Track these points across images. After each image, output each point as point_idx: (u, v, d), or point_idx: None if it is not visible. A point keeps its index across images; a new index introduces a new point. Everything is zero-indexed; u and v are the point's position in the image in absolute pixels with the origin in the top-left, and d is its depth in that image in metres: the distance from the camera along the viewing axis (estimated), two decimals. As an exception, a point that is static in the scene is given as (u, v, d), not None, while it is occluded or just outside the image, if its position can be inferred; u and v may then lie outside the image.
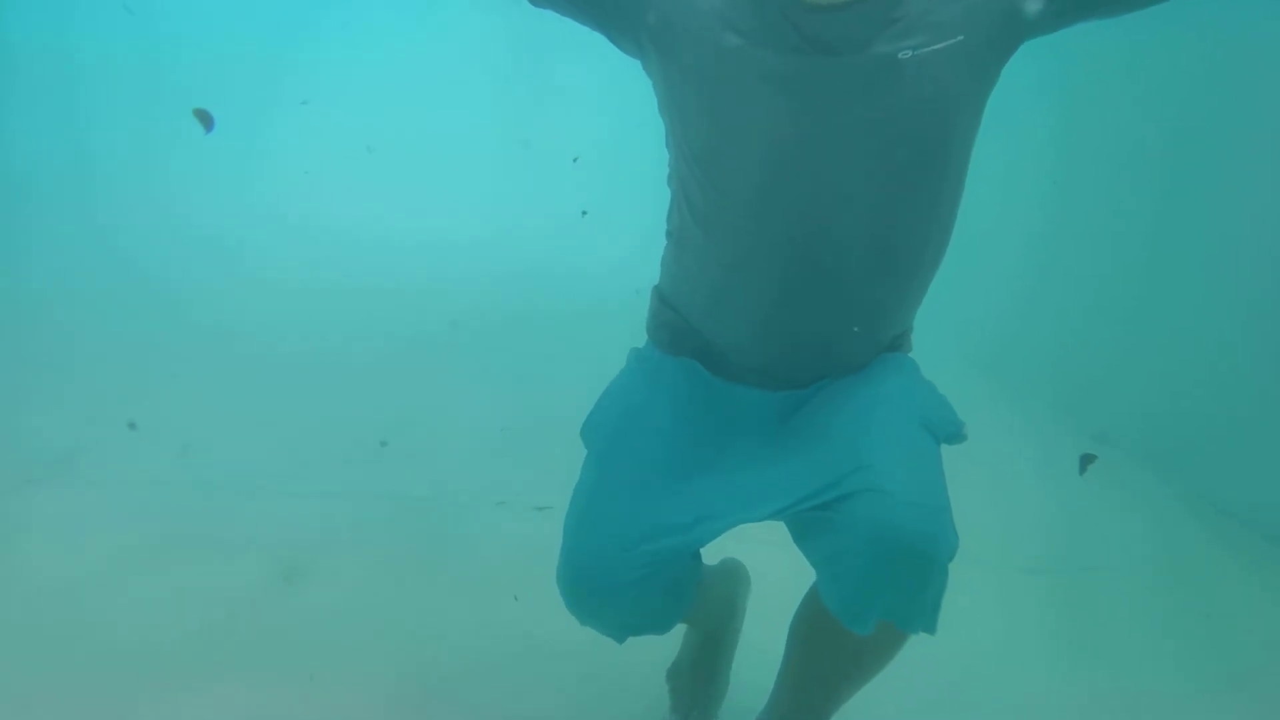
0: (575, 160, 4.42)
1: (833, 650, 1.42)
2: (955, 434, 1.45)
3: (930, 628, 1.32)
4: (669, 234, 1.55)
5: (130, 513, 2.48)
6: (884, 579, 1.24)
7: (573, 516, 1.44)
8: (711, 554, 1.57)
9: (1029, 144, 4.37)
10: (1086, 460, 2.15)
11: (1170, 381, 3.12)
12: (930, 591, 1.28)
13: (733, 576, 1.81)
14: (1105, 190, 3.72)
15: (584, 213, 3.97)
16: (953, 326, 3.95)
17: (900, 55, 1.28)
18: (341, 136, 5.45)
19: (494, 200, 5.58)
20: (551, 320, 4.27)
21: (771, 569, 1.81)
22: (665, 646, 1.73)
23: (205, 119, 2.23)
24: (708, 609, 1.68)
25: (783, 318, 1.42)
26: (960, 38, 1.29)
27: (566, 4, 1.43)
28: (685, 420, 1.47)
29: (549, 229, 4.95)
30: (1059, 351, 3.81)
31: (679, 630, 1.68)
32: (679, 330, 1.54)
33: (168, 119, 3.55)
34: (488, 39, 6.05)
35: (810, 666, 1.49)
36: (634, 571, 1.36)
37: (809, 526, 1.36)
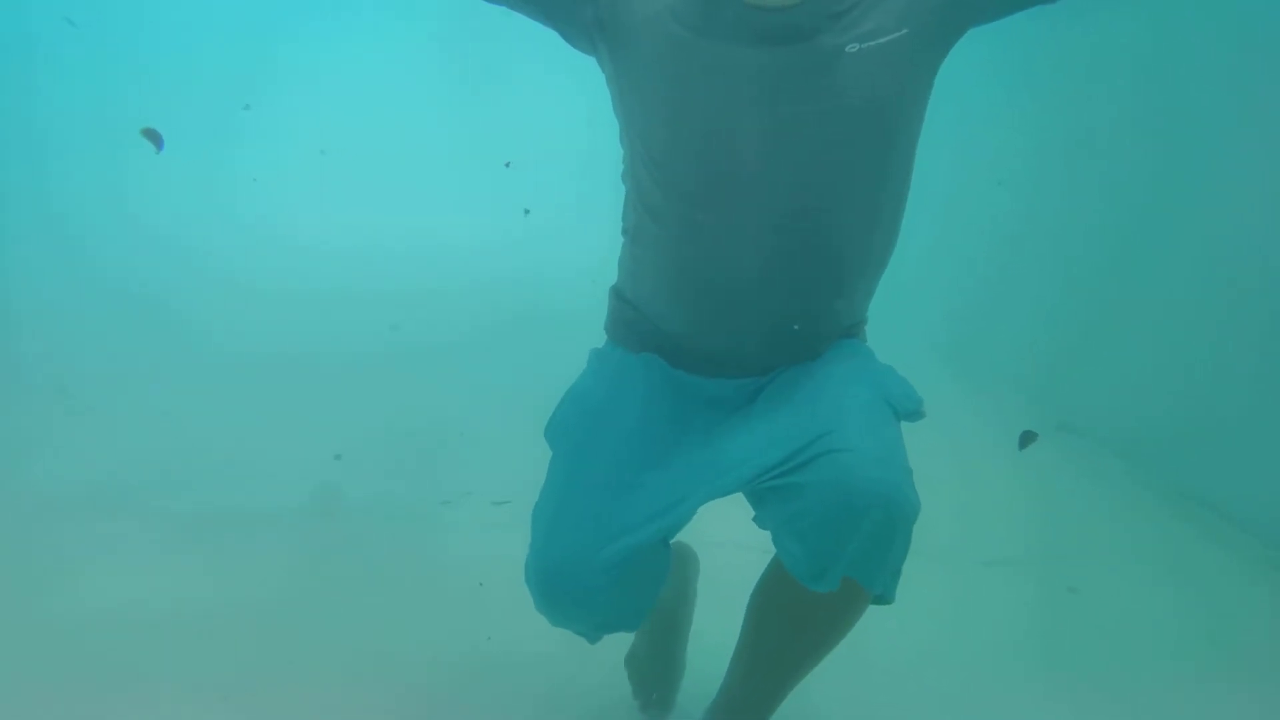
0: (508, 165, 4.49)
1: (793, 616, 1.41)
2: (915, 410, 1.46)
3: (890, 591, 1.34)
4: (625, 232, 1.56)
5: (75, 521, 2.45)
6: (850, 532, 1.25)
7: (542, 519, 1.43)
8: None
9: (996, 134, 4.41)
10: (1027, 438, 2.14)
11: (1134, 370, 3.13)
12: (894, 551, 1.29)
13: (683, 559, 1.80)
14: (1071, 180, 3.74)
15: (526, 211, 4.04)
16: (916, 316, 3.98)
17: (848, 49, 1.31)
18: (296, 140, 5.40)
19: (448, 204, 5.57)
20: (512, 325, 4.27)
21: (724, 569, 1.81)
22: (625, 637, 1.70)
23: (154, 138, 2.21)
24: (664, 594, 1.68)
25: (738, 309, 1.44)
26: (904, 31, 1.32)
27: (518, 1, 1.44)
28: (649, 414, 1.47)
29: (502, 233, 4.93)
30: (1023, 341, 3.83)
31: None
32: (637, 327, 1.55)
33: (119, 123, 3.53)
34: (447, 40, 6.01)
35: (769, 636, 1.47)
36: (607, 571, 1.35)
37: (771, 493, 1.35)
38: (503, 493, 2.54)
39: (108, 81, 5.17)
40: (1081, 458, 3.14)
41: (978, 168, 4.52)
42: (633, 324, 1.56)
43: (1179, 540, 2.55)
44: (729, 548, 1.89)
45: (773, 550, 1.40)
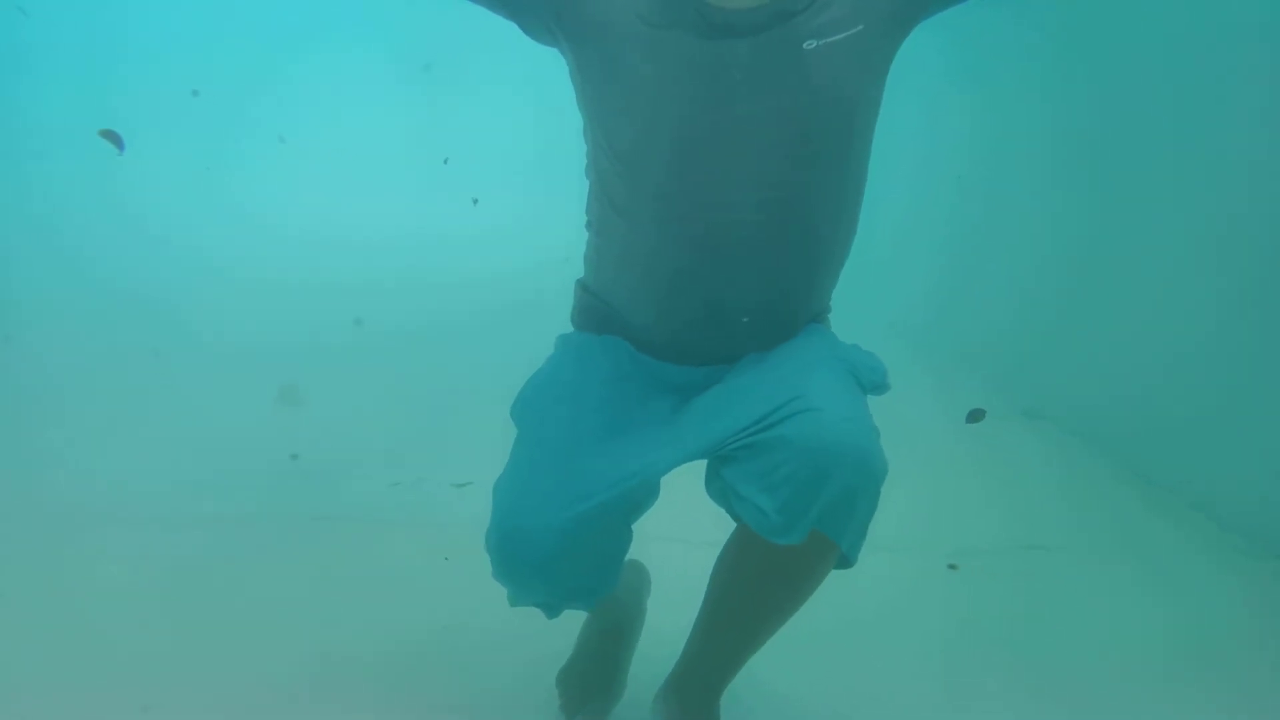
0: (445, 162, 4.50)
1: (758, 577, 1.40)
2: (880, 383, 1.50)
3: (855, 551, 1.35)
4: (588, 225, 1.58)
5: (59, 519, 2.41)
6: (821, 484, 1.25)
7: (504, 486, 1.41)
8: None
9: (960, 123, 4.43)
10: (975, 415, 2.24)
11: (1100, 356, 3.15)
12: (861, 507, 1.30)
13: (639, 573, 1.81)
14: (1038, 168, 3.76)
15: (475, 200, 4.05)
16: (882, 301, 4.00)
17: (805, 45, 1.35)
18: (254, 128, 5.38)
19: (412, 194, 5.54)
20: (478, 316, 4.25)
21: (673, 566, 1.82)
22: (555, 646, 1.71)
23: (114, 139, 2.21)
24: (616, 597, 1.65)
25: (703, 300, 1.46)
26: (860, 27, 1.36)
27: None
28: (614, 389, 1.48)
29: (466, 224, 4.87)
30: (989, 327, 3.85)
31: (572, 632, 1.70)
32: (604, 316, 1.57)
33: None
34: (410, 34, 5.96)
35: (732, 599, 1.45)
36: (568, 534, 1.33)
37: (741, 451, 1.34)
38: (465, 477, 2.53)
39: (81, 75, 5.13)
40: (1047, 443, 3.16)
41: (942, 157, 4.55)
42: (598, 312, 1.58)
43: (1145, 528, 2.56)
44: (679, 544, 1.88)
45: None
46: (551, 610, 1.51)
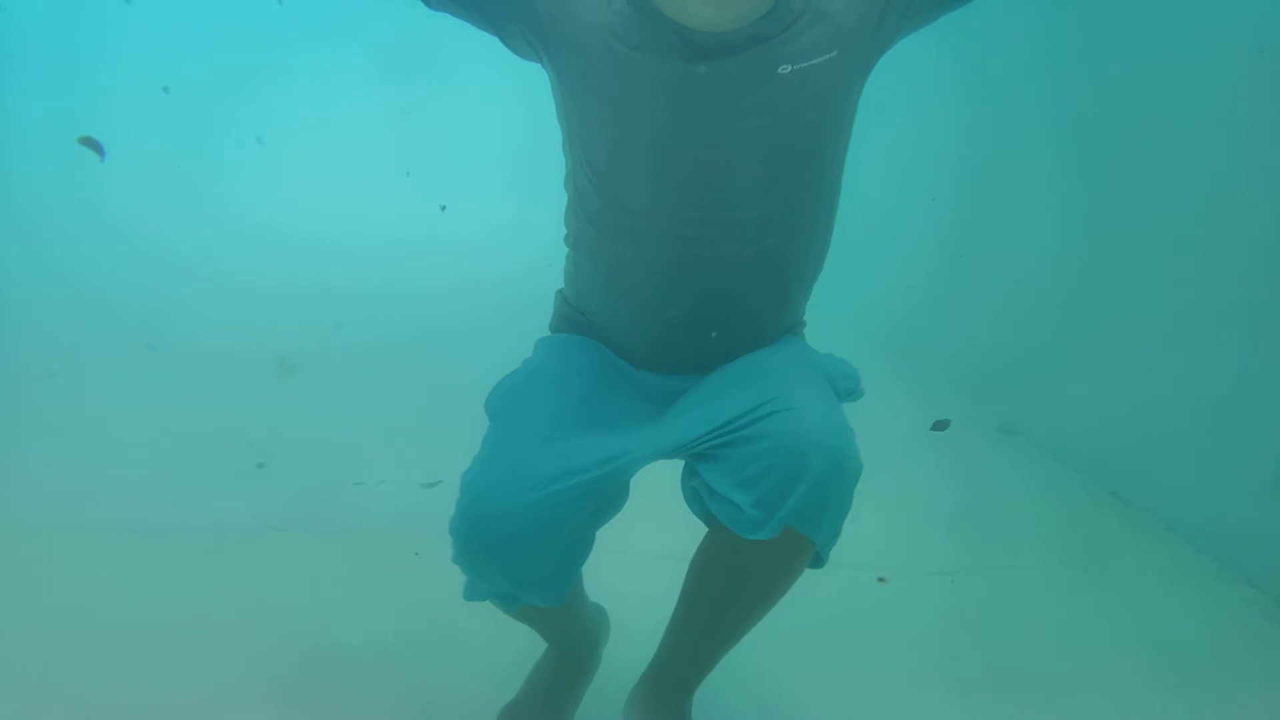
0: (408, 174, 4.52)
1: (732, 574, 1.39)
2: (853, 389, 1.53)
3: (827, 550, 1.35)
4: (566, 238, 1.60)
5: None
6: (795, 479, 1.25)
7: (474, 466, 1.38)
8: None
9: (937, 138, 4.44)
10: (940, 425, 2.33)
11: (1077, 373, 3.15)
12: (835, 504, 1.29)
13: (601, 619, 1.80)
14: (1013, 182, 3.76)
15: (442, 207, 4.07)
16: (857, 314, 4.00)
17: (780, 70, 1.37)
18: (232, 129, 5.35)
19: (386, 201, 5.50)
20: (455, 323, 4.24)
21: (640, 579, 1.83)
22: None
23: (95, 147, 2.22)
24: (576, 625, 1.65)
25: (675, 313, 1.49)
26: (834, 53, 1.39)
27: (460, 8, 1.46)
28: (592, 387, 1.50)
29: (446, 231, 4.92)
30: (968, 341, 3.85)
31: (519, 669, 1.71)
32: (582, 325, 1.61)
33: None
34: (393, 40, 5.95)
35: (706, 597, 1.44)
36: (538, 515, 1.30)
37: (716, 449, 1.34)
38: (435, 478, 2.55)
39: (60, 76, 5.11)
40: (1022, 459, 3.15)
41: (922, 169, 4.56)
42: (576, 321, 1.61)
43: (1118, 549, 2.54)
44: (646, 558, 1.90)
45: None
46: (508, 602, 1.45)
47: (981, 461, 3.08)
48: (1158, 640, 2.09)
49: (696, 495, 1.43)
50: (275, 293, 4.45)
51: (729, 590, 1.41)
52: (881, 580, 2.28)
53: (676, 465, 1.51)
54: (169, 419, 3.15)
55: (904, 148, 4.50)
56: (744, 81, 1.37)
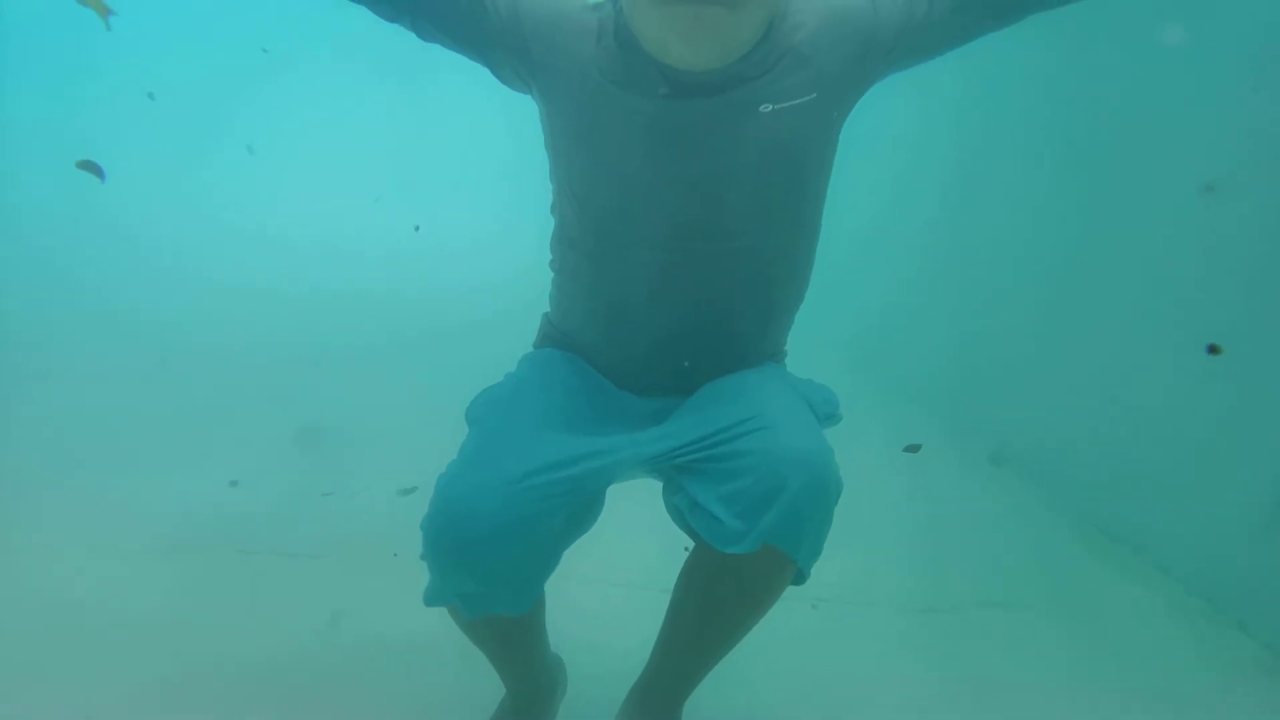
0: (377, 200, 4.53)
1: (715, 590, 1.40)
2: (832, 414, 1.57)
3: (808, 566, 1.35)
4: (551, 263, 1.64)
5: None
6: (774, 495, 1.27)
7: (451, 466, 1.38)
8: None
9: (926, 164, 4.41)
10: (912, 448, 2.39)
11: (1067, 406, 3.09)
12: (815, 521, 1.31)
13: (560, 665, 1.78)
14: (1001, 208, 3.73)
15: (416, 228, 4.06)
16: (843, 342, 3.96)
17: (761, 109, 1.41)
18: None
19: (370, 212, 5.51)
20: (436, 333, 4.23)
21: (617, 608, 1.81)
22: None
23: (94, 170, 2.22)
24: (536, 660, 1.64)
25: (658, 339, 1.53)
26: (814, 95, 1.43)
27: (452, 41, 1.50)
28: (574, 399, 1.52)
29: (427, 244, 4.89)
30: (957, 374, 3.80)
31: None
32: (566, 346, 1.64)
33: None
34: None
35: (692, 612, 1.46)
36: (510, 511, 1.30)
37: (698, 462, 1.37)
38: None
39: (61, 83, 5.17)
40: (1010, 494, 3.10)
41: (909, 196, 4.52)
42: (561, 344, 1.65)
43: (1108, 588, 2.50)
44: (625, 588, 1.89)
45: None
46: (471, 606, 1.41)
47: (971, 495, 3.04)
48: (1145, 683, 2.05)
49: (679, 512, 1.44)
50: (258, 298, 4.43)
51: (712, 606, 1.42)
52: (814, 607, 2.22)
53: (654, 496, 1.53)
54: (165, 424, 3.16)
55: (890, 166, 4.47)
56: (725, 119, 1.41)
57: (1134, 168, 2.87)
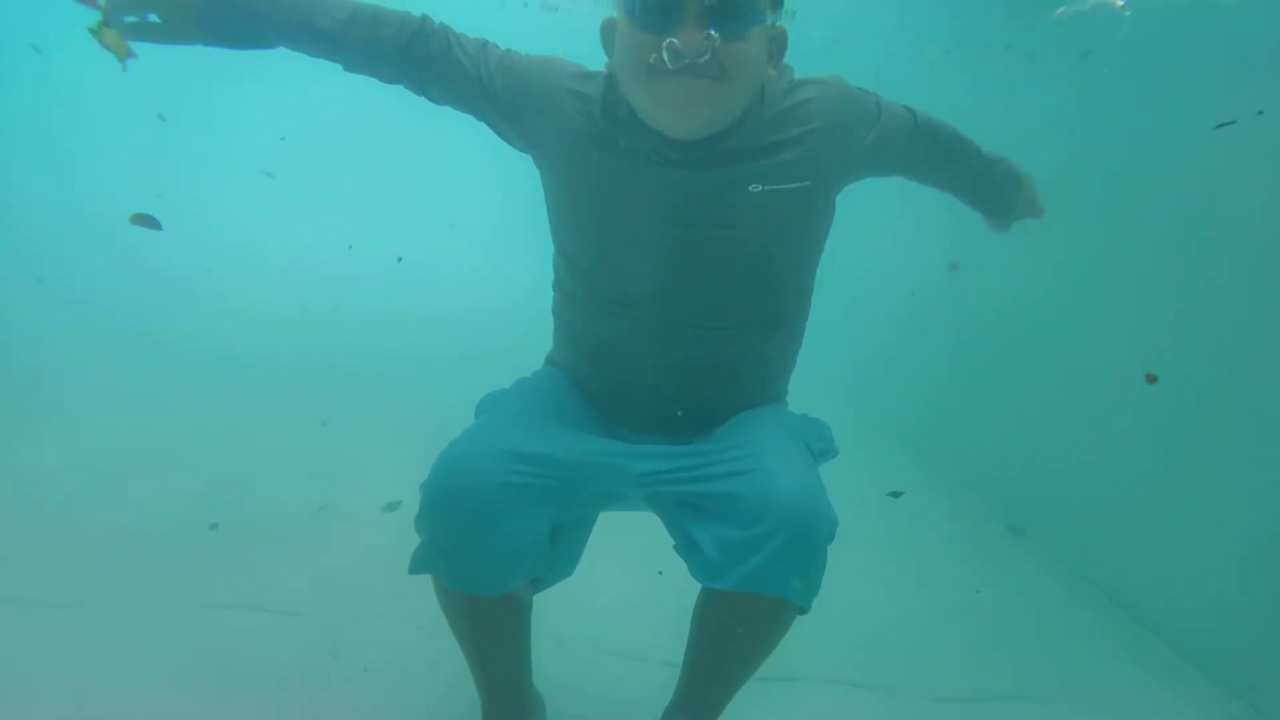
0: (350, 248, 4.54)
1: (723, 627, 1.44)
2: (828, 449, 1.63)
3: (807, 598, 1.39)
4: (553, 310, 1.72)
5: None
6: (760, 542, 1.32)
7: (457, 438, 1.44)
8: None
9: (930, 220, 4.32)
10: (895, 494, 2.48)
11: (1084, 480, 2.94)
12: (806, 559, 1.34)
13: (540, 700, 1.80)
14: (1011, 265, 3.64)
15: (399, 259, 4.06)
16: (837, 375, 3.86)
17: (750, 188, 1.46)
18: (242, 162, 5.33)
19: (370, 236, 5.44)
20: (433, 360, 4.17)
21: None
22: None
23: (150, 223, 2.21)
24: (513, 673, 1.65)
25: (652, 389, 1.58)
26: (806, 183, 1.48)
27: (460, 105, 1.59)
28: (581, 412, 1.61)
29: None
30: (977, 450, 3.65)
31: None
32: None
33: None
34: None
35: (704, 648, 1.51)
36: (508, 477, 1.36)
37: (687, 503, 1.43)
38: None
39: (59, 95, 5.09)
40: (1028, 564, 2.92)
41: (916, 249, 4.43)
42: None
43: (1125, 670, 2.35)
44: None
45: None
46: (453, 575, 1.42)
47: (993, 564, 2.89)
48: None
49: (683, 545, 1.48)
50: (248, 318, 4.39)
51: (718, 644, 1.48)
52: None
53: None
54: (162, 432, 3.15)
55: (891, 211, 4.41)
56: (715, 194, 1.46)
57: (1130, 216, 2.88)
